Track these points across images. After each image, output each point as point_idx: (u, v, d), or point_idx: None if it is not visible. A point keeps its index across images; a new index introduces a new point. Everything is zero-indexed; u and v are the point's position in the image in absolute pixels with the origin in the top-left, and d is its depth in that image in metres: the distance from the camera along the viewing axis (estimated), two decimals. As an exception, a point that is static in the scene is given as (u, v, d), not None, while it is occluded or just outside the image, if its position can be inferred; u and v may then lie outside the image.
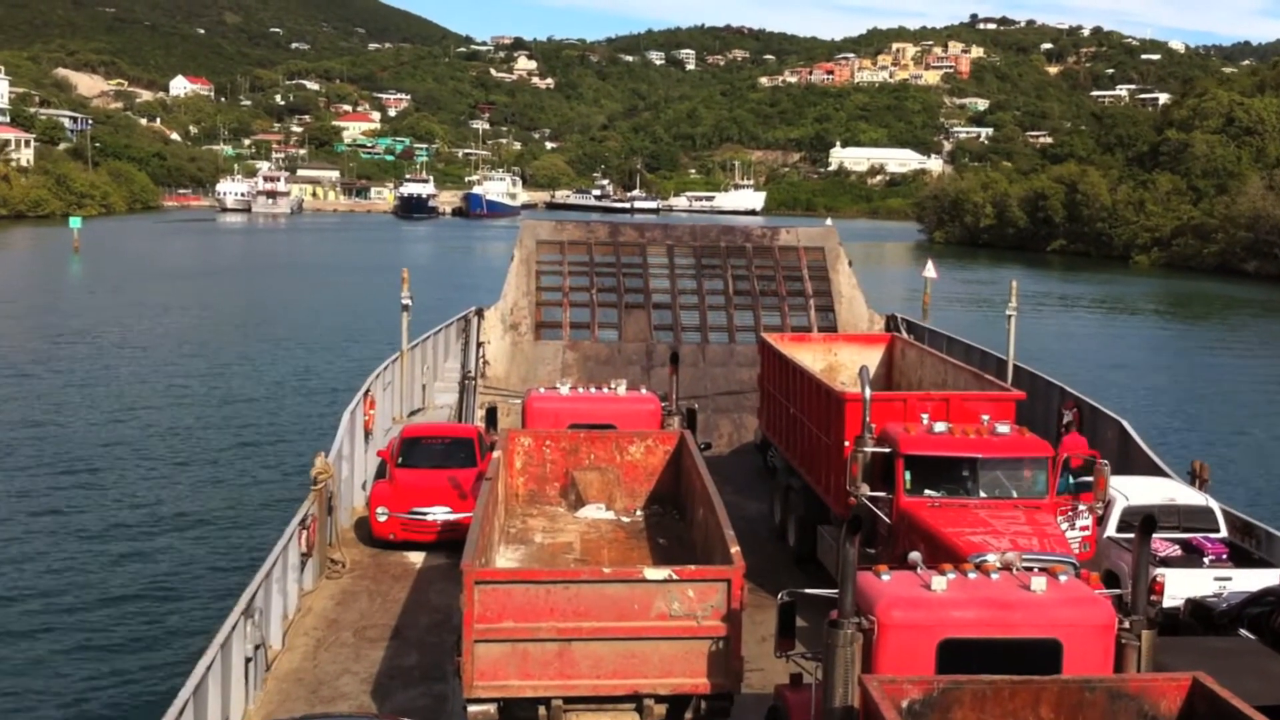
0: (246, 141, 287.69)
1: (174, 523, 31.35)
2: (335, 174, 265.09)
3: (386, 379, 29.37)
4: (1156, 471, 23.51)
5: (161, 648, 23.45)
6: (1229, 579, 19.09)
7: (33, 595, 26.08)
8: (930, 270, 47.87)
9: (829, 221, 46.28)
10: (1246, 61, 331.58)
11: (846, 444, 19.66)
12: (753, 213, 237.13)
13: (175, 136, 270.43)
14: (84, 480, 34.97)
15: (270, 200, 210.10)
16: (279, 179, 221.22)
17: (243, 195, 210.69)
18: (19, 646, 23.46)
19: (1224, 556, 19.82)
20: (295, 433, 41.48)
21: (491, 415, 25.55)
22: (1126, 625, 11.91)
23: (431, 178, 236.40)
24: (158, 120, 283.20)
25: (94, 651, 23.35)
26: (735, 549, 14.86)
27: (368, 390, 26.82)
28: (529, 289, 36.05)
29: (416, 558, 23.19)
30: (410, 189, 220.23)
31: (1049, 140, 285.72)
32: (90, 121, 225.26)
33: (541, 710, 14.30)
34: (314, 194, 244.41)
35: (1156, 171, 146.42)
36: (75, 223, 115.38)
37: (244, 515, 32.21)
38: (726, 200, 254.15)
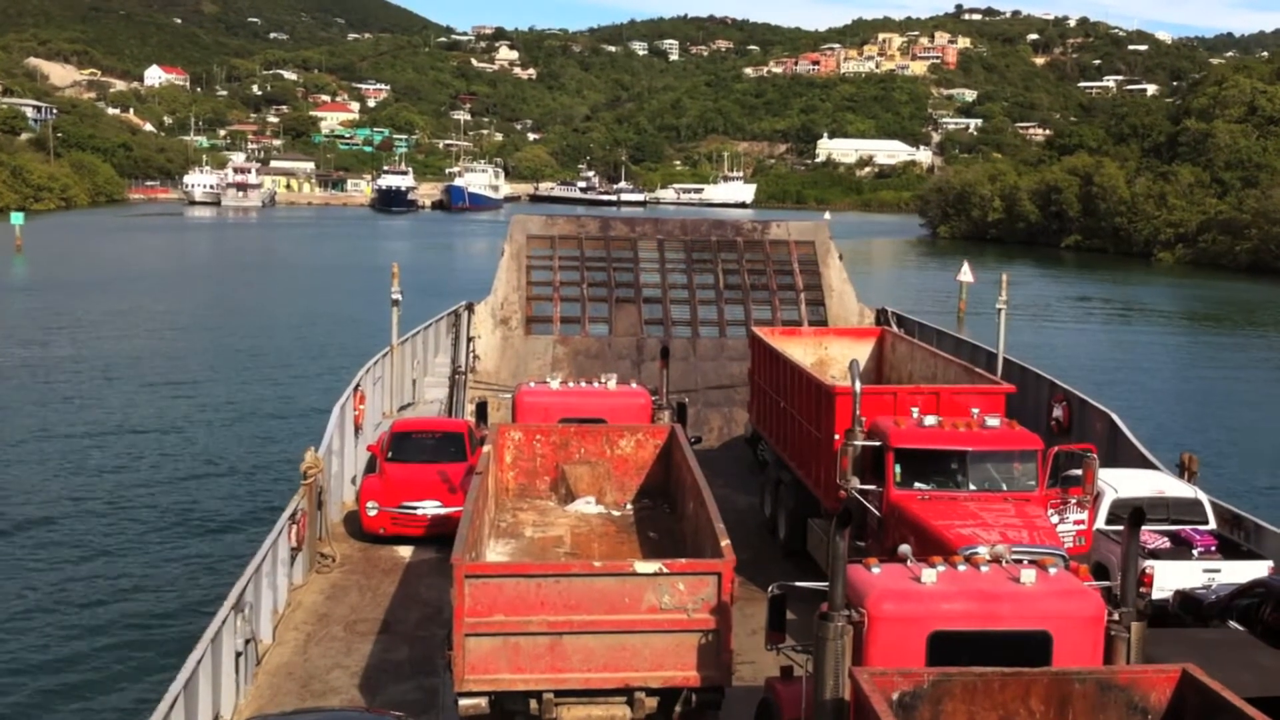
0: (222, 132, 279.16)
1: (163, 518, 31.31)
2: (310, 165, 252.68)
3: (376, 374, 29.34)
4: (1145, 464, 23.57)
5: (152, 642, 23.42)
6: (1218, 571, 19.15)
7: (23, 592, 26.03)
8: (966, 273, 44.11)
9: (827, 216, 44.96)
10: (1230, 53, 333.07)
11: (837, 437, 19.69)
12: (743, 205, 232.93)
13: (149, 127, 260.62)
14: (72, 477, 34.90)
15: (240, 193, 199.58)
16: (250, 171, 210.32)
17: (211, 188, 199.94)
18: (9, 642, 23.41)
19: (1213, 548, 19.87)
20: (284, 428, 41.41)
21: (482, 410, 25.52)
22: (1116, 617, 11.95)
23: (410, 169, 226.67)
24: (130, 110, 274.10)
25: (84, 646, 23.32)
26: (725, 542, 14.87)
27: (357, 385, 26.79)
28: (519, 283, 36.01)
29: (406, 552, 23.18)
30: (388, 181, 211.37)
31: (1039, 131, 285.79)
32: (54, 111, 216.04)
33: (533, 703, 14.31)
34: (288, 186, 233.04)
35: (1176, 163, 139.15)
36: (17, 219, 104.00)
37: (234, 510, 32.19)
38: (716, 192, 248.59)
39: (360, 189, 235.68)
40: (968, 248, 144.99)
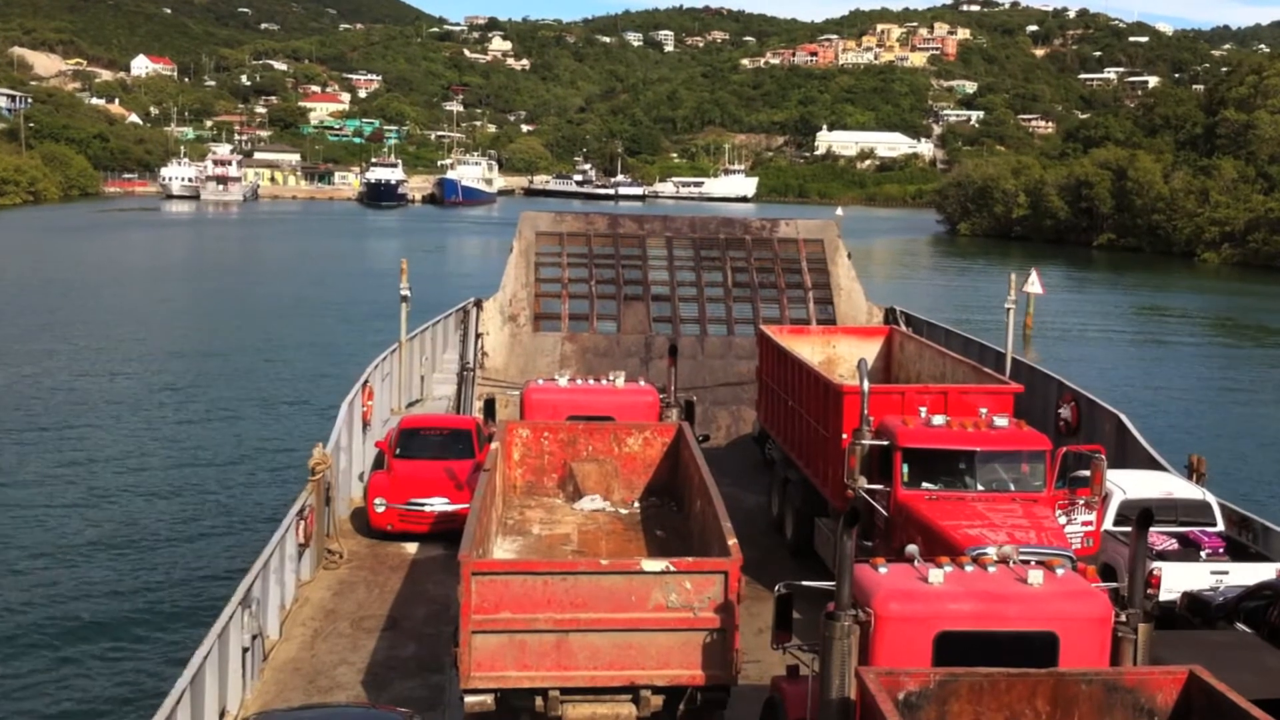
0: (209, 123, 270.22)
1: (171, 514, 31.36)
2: (295, 157, 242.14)
3: (385, 370, 29.36)
4: (1154, 465, 23.52)
5: (159, 638, 23.48)
6: (1226, 572, 19.11)
7: (32, 587, 26.09)
8: (1034, 284, 39.62)
9: (839, 211, 43.48)
10: (1228, 45, 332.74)
11: (844, 436, 19.65)
12: (744, 199, 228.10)
13: (134, 118, 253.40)
14: (81, 473, 34.97)
15: (221, 186, 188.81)
16: (230, 163, 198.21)
17: (190, 181, 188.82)
18: (18, 637, 23.48)
19: (1221, 550, 19.84)
20: (293, 424, 41.46)
21: (490, 406, 25.55)
22: (1123, 619, 11.94)
23: (400, 162, 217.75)
24: (116, 101, 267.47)
25: (92, 642, 23.37)
26: (732, 541, 14.86)
27: (366, 381, 26.80)
28: (528, 280, 36.02)
29: (414, 548, 23.21)
30: (377, 174, 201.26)
31: (1042, 123, 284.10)
32: (30, 101, 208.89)
33: (538, 701, 14.31)
34: (272, 179, 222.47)
35: (1216, 156, 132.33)
36: None
37: (241, 506, 32.23)
38: (716, 186, 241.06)
39: (348, 182, 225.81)
40: (990, 246, 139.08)
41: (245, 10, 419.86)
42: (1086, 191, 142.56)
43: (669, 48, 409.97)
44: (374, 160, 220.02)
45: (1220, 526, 20.78)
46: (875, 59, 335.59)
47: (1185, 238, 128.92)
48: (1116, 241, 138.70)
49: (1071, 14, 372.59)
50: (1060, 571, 12.27)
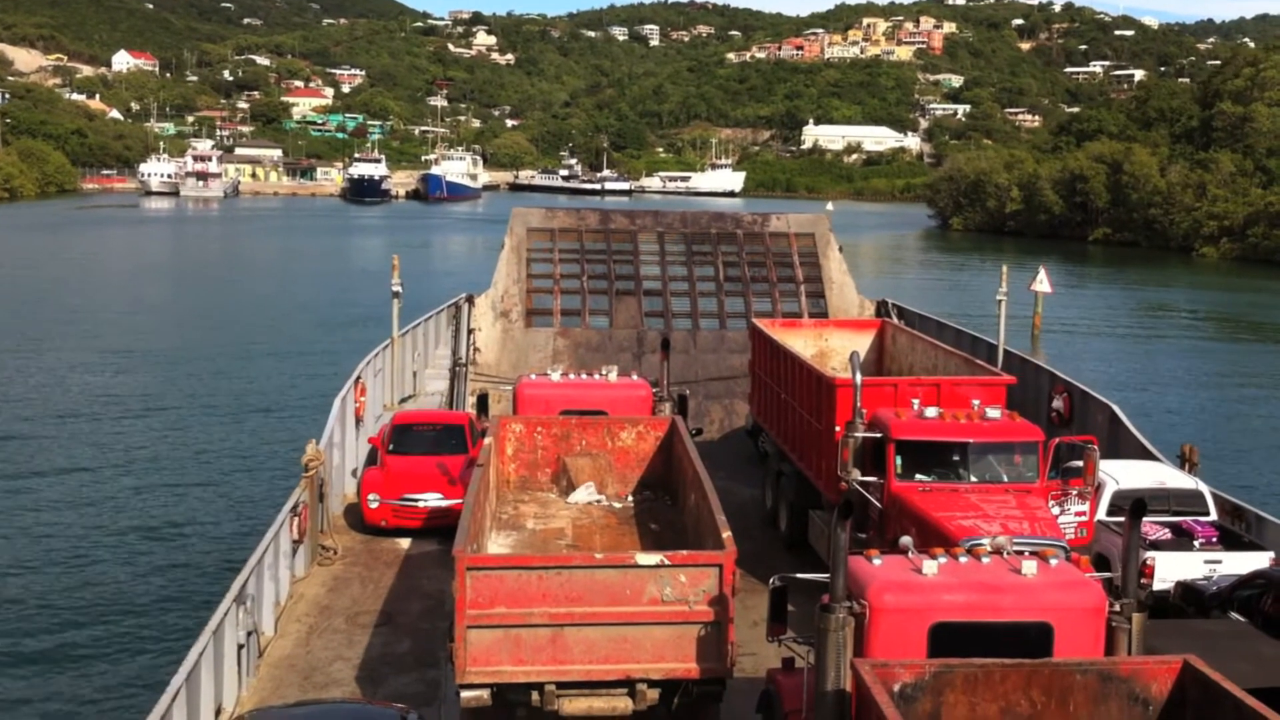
0: (190, 119, 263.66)
1: (166, 511, 31.34)
2: (278, 153, 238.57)
3: (377, 366, 29.35)
4: (1146, 455, 23.58)
5: (154, 635, 23.46)
6: (1219, 562, 19.17)
7: (26, 585, 26.05)
8: (1043, 282, 39.16)
9: (829, 206, 43.12)
10: (1212, 39, 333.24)
11: (837, 429, 19.69)
12: (731, 194, 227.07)
13: (115, 114, 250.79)
14: (72, 473, 34.90)
15: (200, 182, 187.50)
16: (210, 159, 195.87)
17: (169, 177, 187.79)
18: (13, 636, 23.44)
19: (1214, 539, 19.90)
20: (285, 420, 41.41)
21: (483, 402, 25.55)
22: (1117, 608, 11.96)
23: (384, 157, 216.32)
24: (97, 97, 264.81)
25: (87, 640, 23.35)
26: (727, 534, 14.88)
27: (358, 377, 26.79)
28: (520, 276, 36.01)
29: (408, 544, 23.21)
30: (360, 170, 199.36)
31: (1029, 117, 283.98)
32: (8, 96, 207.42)
33: (534, 695, 14.33)
34: (253, 175, 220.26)
35: (1213, 150, 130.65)
36: None
37: (235, 503, 32.21)
38: (703, 181, 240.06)
39: (331, 178, 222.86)
40: (983, 241, 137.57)
41: (228, 5, 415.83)
42: (1081, 186, 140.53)
43: (654, 42, 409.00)
44: (357, 156, 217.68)
45: (1213, 516, 20.84)
46: (861, 53, 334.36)
47: (1183, 232, 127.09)
48: (1112, 236, 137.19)
49: (1057, 8, 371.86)
50: (1054, 562, 12.31)
